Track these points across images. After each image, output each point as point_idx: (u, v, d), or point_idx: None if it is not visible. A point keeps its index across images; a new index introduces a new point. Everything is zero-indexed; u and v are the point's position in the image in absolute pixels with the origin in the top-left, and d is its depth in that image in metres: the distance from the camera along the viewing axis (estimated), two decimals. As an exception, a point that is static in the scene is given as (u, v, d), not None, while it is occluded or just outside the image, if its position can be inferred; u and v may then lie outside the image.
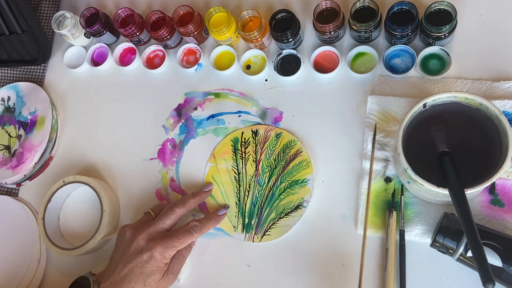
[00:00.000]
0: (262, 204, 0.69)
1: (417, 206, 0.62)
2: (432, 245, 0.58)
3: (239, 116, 0.74)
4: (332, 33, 0.69)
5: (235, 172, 0.71)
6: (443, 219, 0.58)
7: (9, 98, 0.83)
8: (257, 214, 0.68)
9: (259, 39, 0.72)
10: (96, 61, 0.83)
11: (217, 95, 0.76)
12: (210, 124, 0.75)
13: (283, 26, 0.70)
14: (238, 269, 0.67)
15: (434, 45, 0.67)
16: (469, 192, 0.52)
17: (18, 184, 0.80)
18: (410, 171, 0.54)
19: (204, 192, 0.70)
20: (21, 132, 0.80)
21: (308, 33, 0.74)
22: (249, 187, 0.70)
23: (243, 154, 0.71)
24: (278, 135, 0.71)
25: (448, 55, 0.66)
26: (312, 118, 0.71)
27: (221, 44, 0.76)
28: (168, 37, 0.76)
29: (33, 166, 0.77)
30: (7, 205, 0.78)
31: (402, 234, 0.61)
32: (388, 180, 0.65)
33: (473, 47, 0.67)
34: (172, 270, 0.63)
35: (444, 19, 0.64)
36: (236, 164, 0.71)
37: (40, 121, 0.79)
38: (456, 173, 0.53)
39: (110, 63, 0.82)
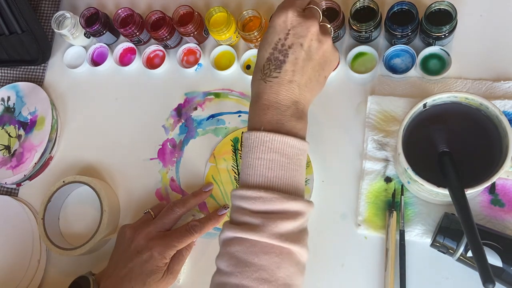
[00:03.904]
0: (262, 204, 0.68)
1: (417, 206, 0.62)
2: (432, 245, 0.58)
3: (239, 116, 0.74)
4: (332, 33, 0.69)
5: (235, 172, 0.71)
6: (443, 219, 0.58)
7: (9, 98, 0.83)
8: (257, 214, 0.68)
9: (259, 39, 0.72)
10: (96, 61, 0.83)
11: (217, 95, 0.76)
12: (210, 124, 0.75)
13: (283, 26, 0.70)
14: (238, 269, 0.67)
15: (434, 45, 0.67)
16: (469, 192, 0.52)
17: (18, 184, 0.80)
18: (410, 171, 0.54)
19: (204, 192, 0.70)
20: (21, 132, 0.80)
21: (308, 33, 0.74)
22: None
23: (243, 154, 0.71)
24: (278, 135, 0.71)
25: (448, 55, 0.66)
26: (312, 118, 0.71)
27: (221, 44, 0.76)
28: (168, 37, 0.76)
29: (33, 166, 0.77)
30: (7, 205, 0.78)
31: (402, 234, 0.61)
32: (388, 180, 0.65)
33: (473, 47, 0.67)
34: (172, 270, 0.63)
35: (444, 19, 0.64)
36: (236, 164, 0.71)
37: (40, 121, 0.79)
38: (456, 173, 0.53)
39: (110, 63, 0.82)
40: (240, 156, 0.71)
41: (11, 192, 0.80)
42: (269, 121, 0.49)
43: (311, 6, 0.52)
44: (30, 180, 0.80)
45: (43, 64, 0.86)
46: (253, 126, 0.50)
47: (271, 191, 0.46)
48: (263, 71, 0.50)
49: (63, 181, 0.74)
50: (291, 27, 0.50)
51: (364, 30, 0.67)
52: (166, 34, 0.76)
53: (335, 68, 0.69)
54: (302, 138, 0.50)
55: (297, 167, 0.49)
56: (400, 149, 0.55)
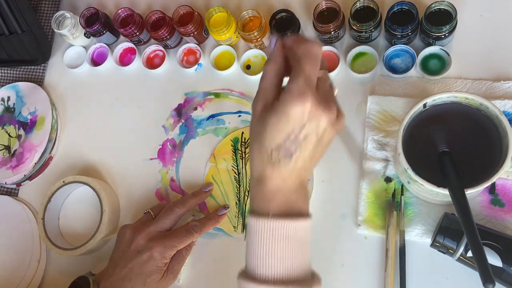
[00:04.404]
0: (262, 204, 0.68)
1: (417, 206, 0.62)
2: (432, 245, 0.58)
3: (239, 116, 0.74)
4: (332, 33, 0.69)
5: (235, 172, 0.71)
6: (443, 219, 0.58)
7: (9, 98, 0.83)
8: (257, 214, 0.68)
9: (259, 39, 0.72)
10: (96, 61, 0.83)
11: (217, 95, 0.76)
12: (210, 124, 0.75)
13: (283, 26, 0.70)
14: (238, 269, 0.67)
15: (434, 45, 0.67)
16: (469, 192, 0.52)
17: (18, 184, 0.80)
18: (410, 171, 0.54)
19: (204, 192, 0.70)
20: (21, 132, 0.80)
21: (308, 33, 0.74)
22: (249, 187, 0.70)
23: (243, 154, 0.71)
24: (278, 135, 0.71)
25: (448, 55, 0.66)
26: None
27: (221, 44, 0.76)
28: (168, 37, 0.76)
29: (33, 166, 0.77)
30: (7, 205, 0.78)
31: (402, 234, 0.61)
32: (388, 180, 0.65)
33: (473, 47, 0.67)
34: (172, 270, 0.63)
35: (444, 19, 0.64)
36: (236, 164, 0.71)
37: (40, 121, 0.79)
38: (456, 173, 0.53)
39: (110, 63, 0.82)
40: (240, 156, 0.71)
41: (11, 192, 0.80)
42: (276, 206, 0.46)
43: (324, 79, 0.47)
44: (30, 180, 0.80)
45: (43, 64, 0.86)
46: (259, 211, 0.47)
47: (284, 285, 0.45)
48: (271, 156, 0.45)
49: (63, 181, 0.74)
50: (308, 119, 0.44)
51: (364, 30, 0.67)
52: (166, 34, 0.76)
53: None
54: (308, 214, 0.48)
55: (305, 246, 0.47)
56: (400, 149, 0.55)
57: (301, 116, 0.44)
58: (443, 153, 0.55)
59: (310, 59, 0.44)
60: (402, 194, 0.63)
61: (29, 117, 0.81)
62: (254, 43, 0.73)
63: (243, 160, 0.71)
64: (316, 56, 0.45)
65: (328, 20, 0.67)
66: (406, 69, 0.68)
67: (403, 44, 0.68)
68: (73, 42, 0.83)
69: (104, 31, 0.80)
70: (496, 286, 0.47)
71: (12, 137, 0.81)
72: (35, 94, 0.82)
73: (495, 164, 0.53)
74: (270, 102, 0.46)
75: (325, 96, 0.46)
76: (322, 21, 0.68)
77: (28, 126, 0.80)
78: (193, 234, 0.64)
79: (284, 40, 0.47)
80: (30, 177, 0.79)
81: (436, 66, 0.67)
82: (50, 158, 0.80)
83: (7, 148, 0.80)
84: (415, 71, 0.68)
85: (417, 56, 0.67)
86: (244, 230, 0.68)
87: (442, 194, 0.54)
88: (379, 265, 0.62)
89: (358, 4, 0.67)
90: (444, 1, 0.64)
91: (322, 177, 0.68)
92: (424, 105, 0.56)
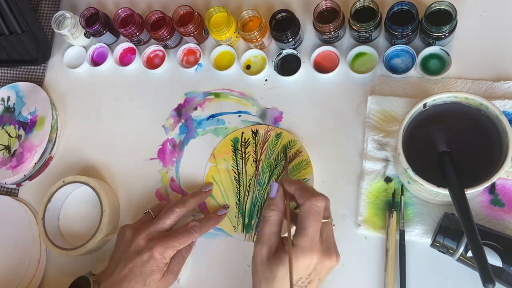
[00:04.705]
0: (262, 204, 0.69)
1: (417, 206, 0.62)
2: (432, 245, 0.58)
3: (239, 116, 0.74)
4: (332, 33, 0.69)
5: (235, 172, 0.71)
6: (443, 219, 0.58)
7: (9, 98, 0.83)
8: (257, 214, 0.68)
9: (259, 39, 0.72)
10: (96, 61, 0.83)
11: (217, 95, 0.76)
12: (210, 124, 0.75)
13: (283, 26, 0.70)
14: (238, 270, 0.67)
15: (434, 45, 0.67)
16: (469, 192, 0.52)
17: (18, 184, 0.80)
18: (410, 171, 0.54)
19: (204, 192, 0.70)
20: (21, 132, 0.80)
21: (308, 33, 0.74)
22: (249, 187, 0.70)
23: (243, 154, 0.71)
24: (278, 135, 0.71)
25: (448, 55, 0.66)
26: (312, 118, 0.71)
27: (221, 44, 0.76)
28: (168, 37, 0.76)
29: (33, 166, 0.77)
30: (7, 205, 0.78)
31: (402, 234, 0.61)
32: (388, 180, 0.65)
33: (473, 47, 0.67)
34: (172, 270, 0.63)
35: (444, 19, 0.64)
36: (236, 164, 0.71)
37: (40, 121, 0.79)
38: (456, 173, 0.53)
39: (110, 63, 0.82)
40: (240, 156, 0.71)
41: (11, 192, 0.80)
42: None
43: (327, 224, 0.52)
44: (30, 180, 0.80)
45: (43, 64, 0.86)
46: None
47: None
48: None
49: (63, 181, 0.74)
50: (314, 269, 0.50)
51: (364, 30, 0.67)
52: (166, 34, 0.76)
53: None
54: None
55: None
56: (400, 149, 0.55)
57: (307, 268, 0.50)
58: (443, 153, 0.55)
59: (314, 215, 0.50)
60: (402, 194, 0.63)
61: (29, 117, 0.81)
62: (254, 43, 0.73)
63: (243, 160, 0.71)
64: (319, 212, 0.51)
65: (328, 20, 0.67)
66: (406, 69, 0.68)
67: (403, 44, 0.68)
68: (73, 42, 0.83)
69: (104, 31, 0.80)
70: (496, 286, 0.47)
71: (12, 137, 0.81)
72: (35, 94, 0.82)
73: (495, 164, 0.53)
74: (274, 247, 0.52)
75: (327, 244, 0.51)
76: (322, 21, 0.68)
77: (28, 126, 0.80)
78: (193, 234, 0.64)
79: (285, 184, 0.54)
80: (30, 177, 0.79)
81: (436, 66, 0.67)
82: (50, 158, 0.80)
83: (7, 148, 0.80)
84: (415, 71, 0.68)
85: (417, 56, 0.67)
86: (244, 230, 0.68)
87: (442, 194, 0.54)
88: (379, 265, 0.62)
89: (358, 4, 0.67)
90: (444, 1, 0.64)
91: (322, 177, 0.68)
92: (424, 105, 0.56)
